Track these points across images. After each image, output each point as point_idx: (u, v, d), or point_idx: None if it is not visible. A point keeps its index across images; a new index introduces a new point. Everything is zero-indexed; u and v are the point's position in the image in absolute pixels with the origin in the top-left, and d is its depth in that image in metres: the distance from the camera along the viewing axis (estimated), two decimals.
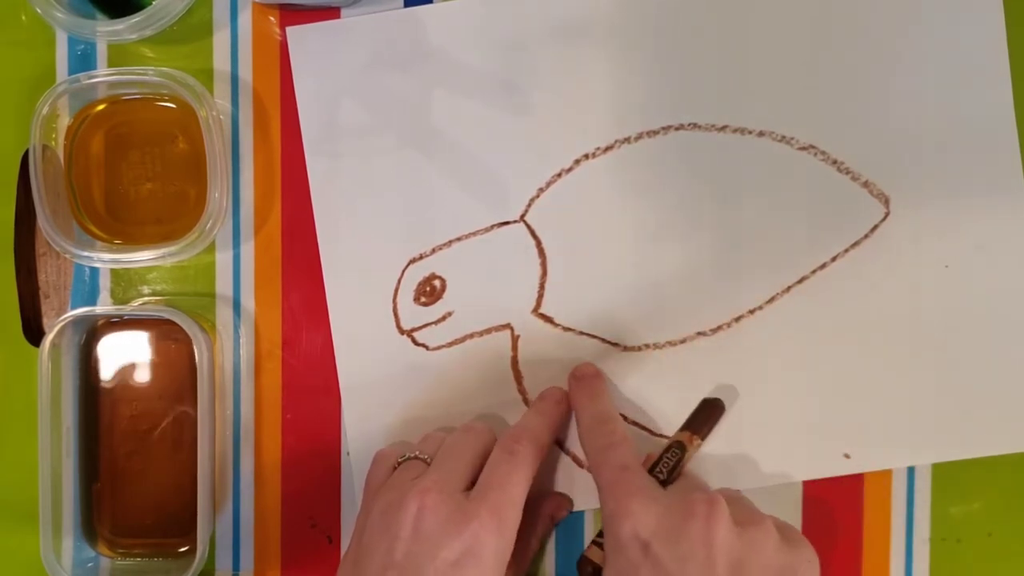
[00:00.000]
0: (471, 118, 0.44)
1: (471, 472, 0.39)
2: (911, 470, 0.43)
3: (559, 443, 0.43)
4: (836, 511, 0.43)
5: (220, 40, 0.45)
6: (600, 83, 0.43)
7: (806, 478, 0.43)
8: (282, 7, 0.44)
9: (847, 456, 0.42)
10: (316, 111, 0.44)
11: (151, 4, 0.44)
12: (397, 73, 0.44)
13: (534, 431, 0.40)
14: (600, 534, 0.40)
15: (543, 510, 0.43)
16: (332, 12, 0.44)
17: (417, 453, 0.40)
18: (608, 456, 0.40)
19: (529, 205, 0.44)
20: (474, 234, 0.44)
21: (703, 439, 0.42)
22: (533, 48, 0.44)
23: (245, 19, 0.45)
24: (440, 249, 0.44)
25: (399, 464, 0.40)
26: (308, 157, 0.44)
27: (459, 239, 0.44)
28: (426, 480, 0.38)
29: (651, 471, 0.40)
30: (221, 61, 0.45)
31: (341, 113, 0.44)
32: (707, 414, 0.42)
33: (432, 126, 0.44)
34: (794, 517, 0.43)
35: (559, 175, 0.44)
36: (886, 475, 0.43)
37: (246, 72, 0.45)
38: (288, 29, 0.44)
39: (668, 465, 0.40)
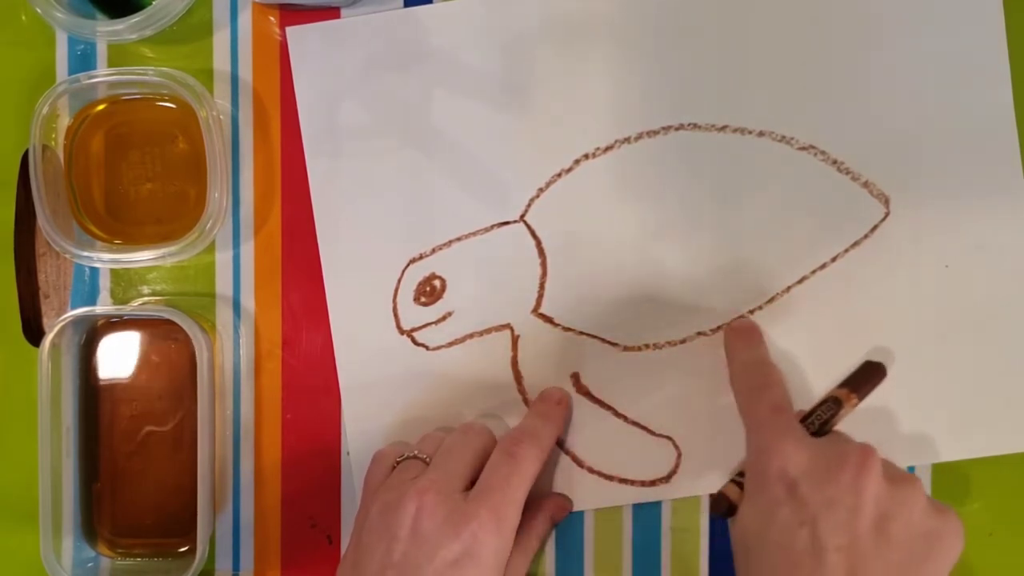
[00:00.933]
0: (471, 118, 0.44)
1: (470, 472, 0.39)
2: (911, 470, 0.43)
3: (559, 443, 0.43)
4: None
5: (220, 40, 0.45)
6: (600, 83, 0.43)
7: None
8: (282, 7, 0.44)
9: None
10: (316, 111, 0.44)
11: (151, 4, 0.44)
12: (397, 73, 0.44)
13: (535, 433, 0.40)
14: (740, 474, 0.39)
15: (543, 510, 0.43)
16: (332, 12, 0.44)
17: (416, 453, 0.40)
18: (762, 395, 0.39)
19: (529, 205, 0.44)
20: (474, 234, 0.44)
21: (860, 399, 0.40)
22: (533, 48, 0.44)
23: (245, 19, 0.45)
24: (440, 249, 0.44)
25: (398, 464, 0.40)
26: (308, 157, 0.44)
27: (459, 239, 0.44)
28: (424, 480, 0.38)
29: (802, 422, 0.39)
30: (221, 61, 0.45)
31: (341, 113, 0.44)
32: (868, 375, 0.41)
33: (432, 126, 0.44)
34: None
35: (559, 175, 0.44)
36: None
37: (246, 72, 0.45)
38: (288, 29, 0.44)
39: (821, 419, 0.39)
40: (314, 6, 0.44)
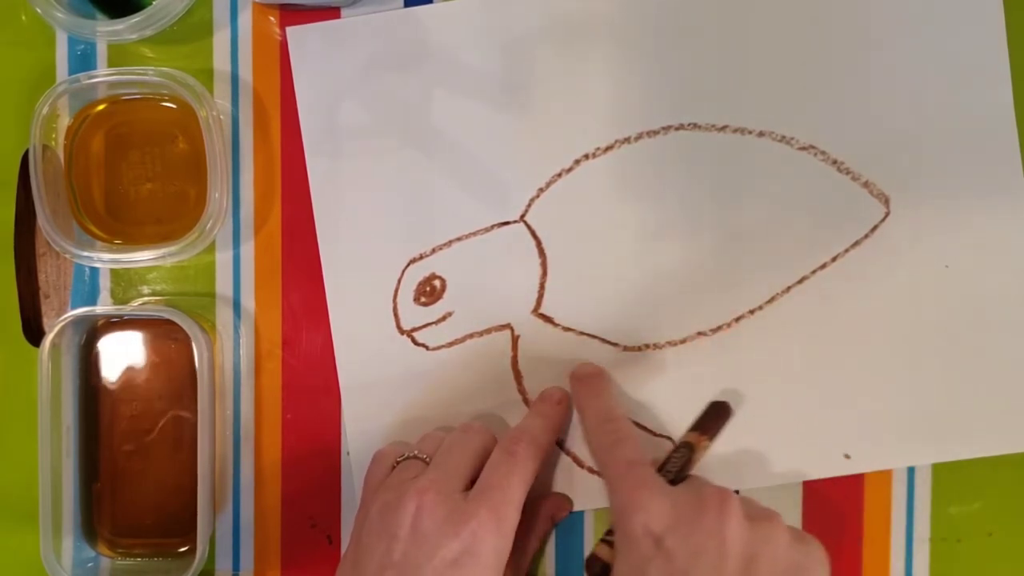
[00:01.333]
0: (471, 118, 0.44)
1: (470, 472, 0.39)
2: (911, 470, 0.43)
3: (559, 443, 0.43)
4: (836, 511, 0.43)
5: (220, 40, 0.45)
6: (600, 83, 0.43)
7: (806, 478, 0.43)
8: (282, 7, 0.44)
9: (847, 456, 0.42)
10: (316, 111, 0.44)
11: (151, 4, 0.44)
12: (397, 73, 0.44)
13: (534, 432, 0.40)
14: (609, 532, 0.40)
15: (543, 510, 0.43)
16: (332, 12, 0.44)
17: (416, 452, 0.40)
18: (615, 452, 0.39)
19: (529, 205, 0.44)
20: (474, 234, 0.44)
21: (711, 440, 0.41)
22: (533, 48, 0.44)
23: (245, 19, 0.45)
24: (440, 249, 0.44)
25: (398, 464, 0.40)
26: (308, 157, 0.44)
27: (459, 239, 0.44)
28: (424, 480, 0.38)
29: (659, 471, 0.40)
30: (221, 61, 0.45)
31: (341, 113, 0.44)
32: (715, 415, 0.42)
33: (432, 126, 0.44)
34: (794, 517, 0.43)
35: (559, 175, 0.44)
36: (886, 475, 0.43)
37: (246, 72, 0.45)
38: (288, 29, 0.44)
39: (676, 465, 0.40)
40: (314, 6, 0.44)
